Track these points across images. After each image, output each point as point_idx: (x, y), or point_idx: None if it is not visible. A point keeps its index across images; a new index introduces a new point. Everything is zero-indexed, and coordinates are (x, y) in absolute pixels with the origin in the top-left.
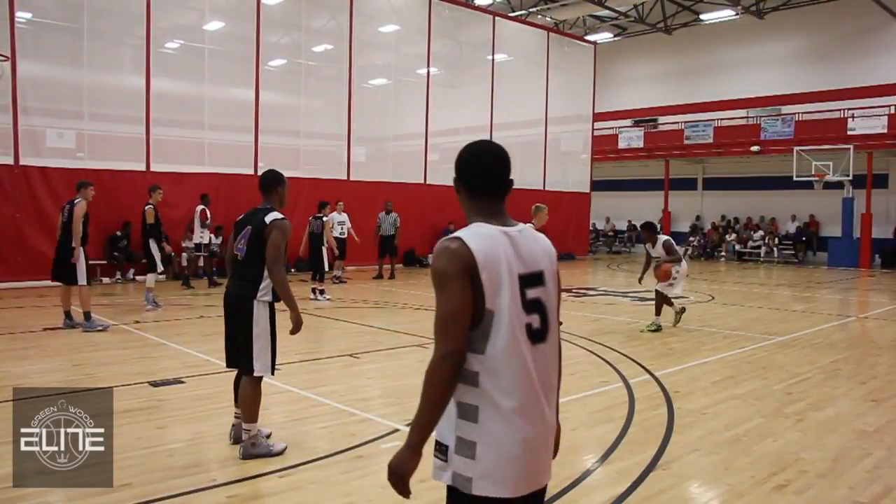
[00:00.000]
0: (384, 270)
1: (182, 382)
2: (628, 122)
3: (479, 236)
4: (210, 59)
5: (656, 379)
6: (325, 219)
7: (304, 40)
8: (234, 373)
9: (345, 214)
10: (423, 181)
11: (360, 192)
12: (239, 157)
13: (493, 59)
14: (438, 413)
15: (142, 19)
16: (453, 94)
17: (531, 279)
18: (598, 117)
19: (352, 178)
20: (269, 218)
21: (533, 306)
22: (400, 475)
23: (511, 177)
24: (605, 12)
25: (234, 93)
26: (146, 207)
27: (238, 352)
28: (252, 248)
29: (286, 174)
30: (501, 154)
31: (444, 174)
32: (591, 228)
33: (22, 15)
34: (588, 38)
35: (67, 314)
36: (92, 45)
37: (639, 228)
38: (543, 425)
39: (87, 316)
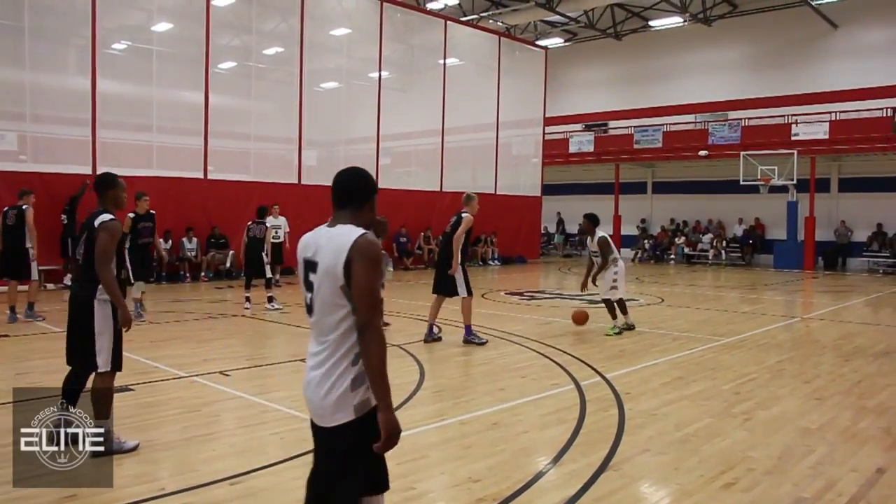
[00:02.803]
0: None
1: (131, 390)
2: (579, 126)
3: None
4: (158, 61)
5: (607, 381)
6: (268, 224)
7: (255, 43)
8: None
9: (282, 218)
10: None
11: (311, 196)
12: (188, 161)
13: (444, 64)
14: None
15: (87, 19)
16: (405, 98)
17: (309, 265)
18: (549, 122)
19: (303, 182)
20: (98, 220)
21: (307, 287)
22: (398, 433)
23: (345, 193)
24: (556, 17)
25: (184, 95)
26: (129, 215)
27: (76, 351)
28: (87, 250)
29: (236, 178)
30: (339, 177)
31: (395, 178)
32: (542, 231)
33: None
34: (539, 43)
35: (13, 309)
36: (34, 44)
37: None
38: (307, 377)
39: (31, 306)
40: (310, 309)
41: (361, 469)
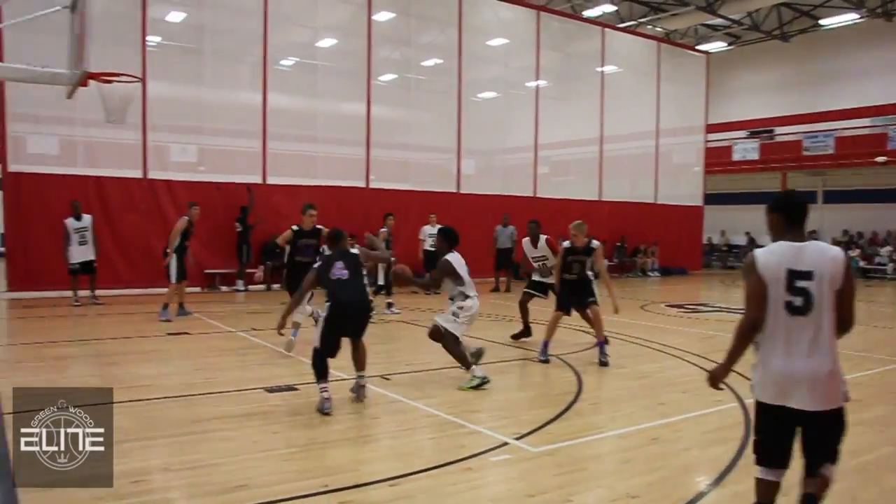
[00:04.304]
0: (500, 283)
1: (295, 389)
2: (743, 133)
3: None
4: (323, 75)
5: None
6: (382, 230)
7: (414, 55)
8: (349, 381)
9: (438, 227)
10: (532, 194)
11: (469, 205)
12: (351, 170)
13: (602, 71)
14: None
15: (259, 38)
16: (562, 107)
17: (797, 274)
18: (711, 129)
19: (461, 191)
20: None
21: (794, 292)
22: (716, 377)
23: (805, 213)
24: (718, 21)
25: (346, 107)
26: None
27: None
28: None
29: (396, 187)
30: (799, 198)
31: (553, 187)
32: (704, 243)
33: (152, 39)
34: (700, 47)
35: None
36: (213, 64)
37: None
38: (806, 365)
39: (165, 307)
40: (800, 309)
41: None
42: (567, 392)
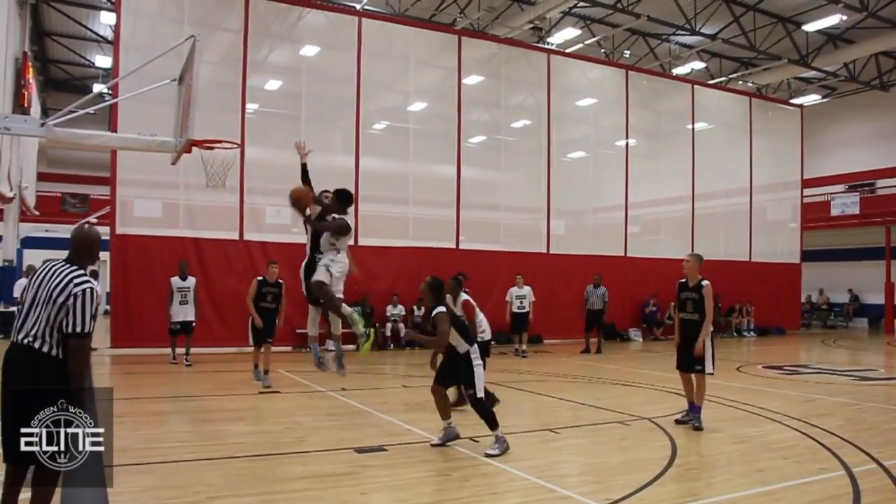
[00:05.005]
0: (591, 344)
1: (385, 450)
2: (841, 187)
3: None
4: (414, 138)
5: (885, 469)
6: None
7: (504, 117)
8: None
9: (527, 288)
10: (623, 254)
11: (559, 266)
12: (442, 231)
13: (692, 128)
14: None
15: (352, 104)
16: (652, 165)
17: None
18: (807, 183)
19: (551, 251)
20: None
21: None
22: None
23: None
24: (812, 73)
25: (437, 169)
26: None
27: None
28: None
29: (486, 247)
30: None
31: (644, 246)
32: (803, 301)
33: (250, 106)
34: (794, 101)
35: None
36: (307, 129)
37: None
38: None
39: (256, 366)
40: None
41: None
42: (661, 457)
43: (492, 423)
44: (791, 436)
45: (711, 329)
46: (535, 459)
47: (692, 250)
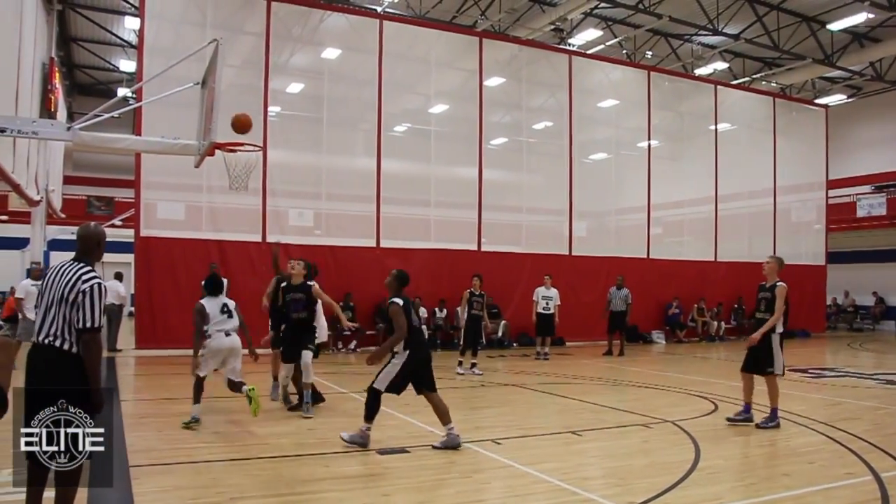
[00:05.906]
0: (613, 346)
1: (407, 452)
2: (868, 188)
3: None
4: (435, 140)
5: None
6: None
7: (525, 118)
8: (463, 446)
9: (553, 290)
10: (645, 255)
11: (581, 267)
12: (463, 233)
13: (715, 129)
14: None
15: (373, 106)
16: (675, 166)
17: None
18: (832, 184)
19: (573, 253)
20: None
21: None
22: None
23: None
24: (837, 73)
25: (459, 171)
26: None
27: None
28: None
29: (508, 249)
30: None
31: (667, 248)
32: (828, 303)
33: (273, 109)
34: (818, 101)
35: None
36: (329, 131)
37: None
38: None
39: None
40: None
41: None
42: (684, 460)
43: (367, 416)
44: (816, 440)
45: (781, 331)
46: (557, 462)
47: (715, 252)
